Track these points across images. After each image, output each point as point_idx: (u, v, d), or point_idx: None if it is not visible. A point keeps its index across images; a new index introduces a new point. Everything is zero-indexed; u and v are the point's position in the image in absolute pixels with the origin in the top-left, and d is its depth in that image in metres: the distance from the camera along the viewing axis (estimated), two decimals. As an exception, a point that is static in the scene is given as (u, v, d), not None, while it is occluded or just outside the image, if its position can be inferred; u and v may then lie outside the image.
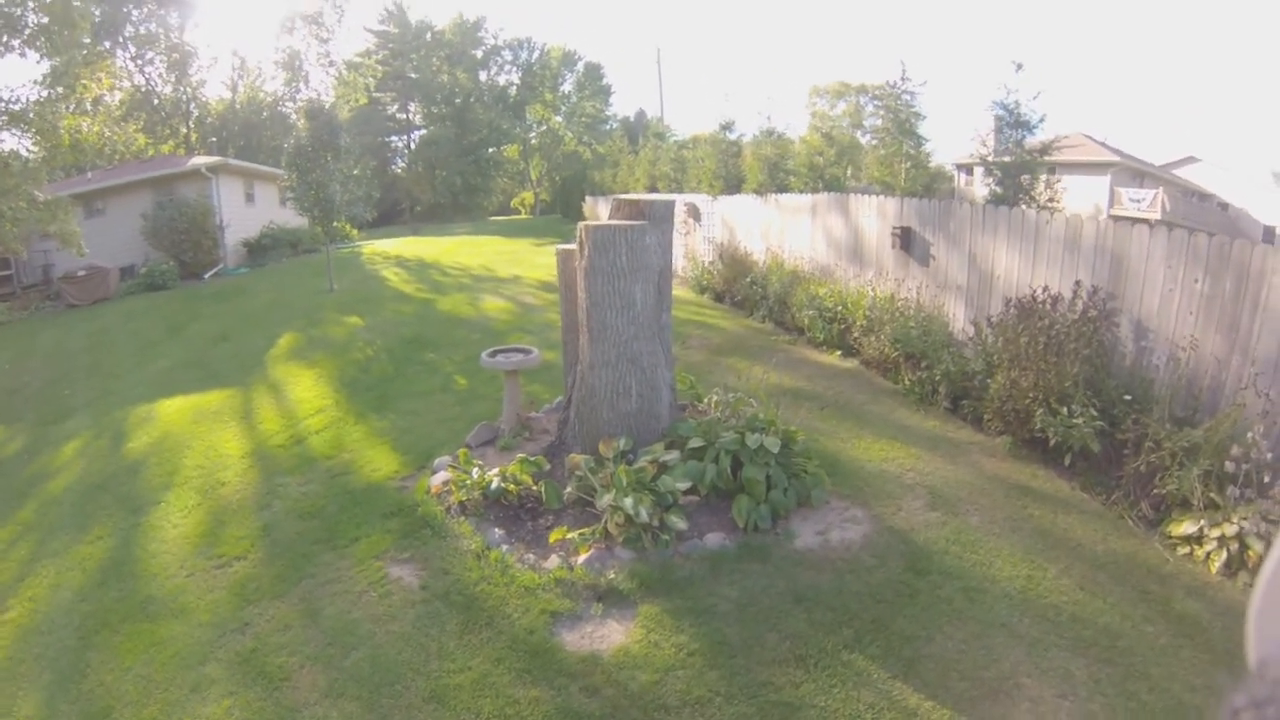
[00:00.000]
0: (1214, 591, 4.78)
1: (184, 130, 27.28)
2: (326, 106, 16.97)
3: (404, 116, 38.45)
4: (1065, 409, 6.07)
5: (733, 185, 15.91)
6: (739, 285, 13.48)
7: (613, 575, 4.79)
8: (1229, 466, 4.98)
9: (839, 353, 10.31)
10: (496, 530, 5.39)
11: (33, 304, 17.72)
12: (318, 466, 7.92)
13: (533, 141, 43.38)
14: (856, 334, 9.82)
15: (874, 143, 15.75)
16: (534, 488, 5.74)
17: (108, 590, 5.99)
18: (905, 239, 9.56)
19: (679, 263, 16.97)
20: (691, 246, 16.71)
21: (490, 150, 40.89)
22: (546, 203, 44.75)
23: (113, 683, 4.86)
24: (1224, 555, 4.89)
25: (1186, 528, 5.16)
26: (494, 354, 7.27)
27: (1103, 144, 37.84)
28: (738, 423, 5.80)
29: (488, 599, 4.83)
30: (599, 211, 26.16)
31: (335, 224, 16.33)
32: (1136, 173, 37.37)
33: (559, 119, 44.11)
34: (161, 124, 23.37)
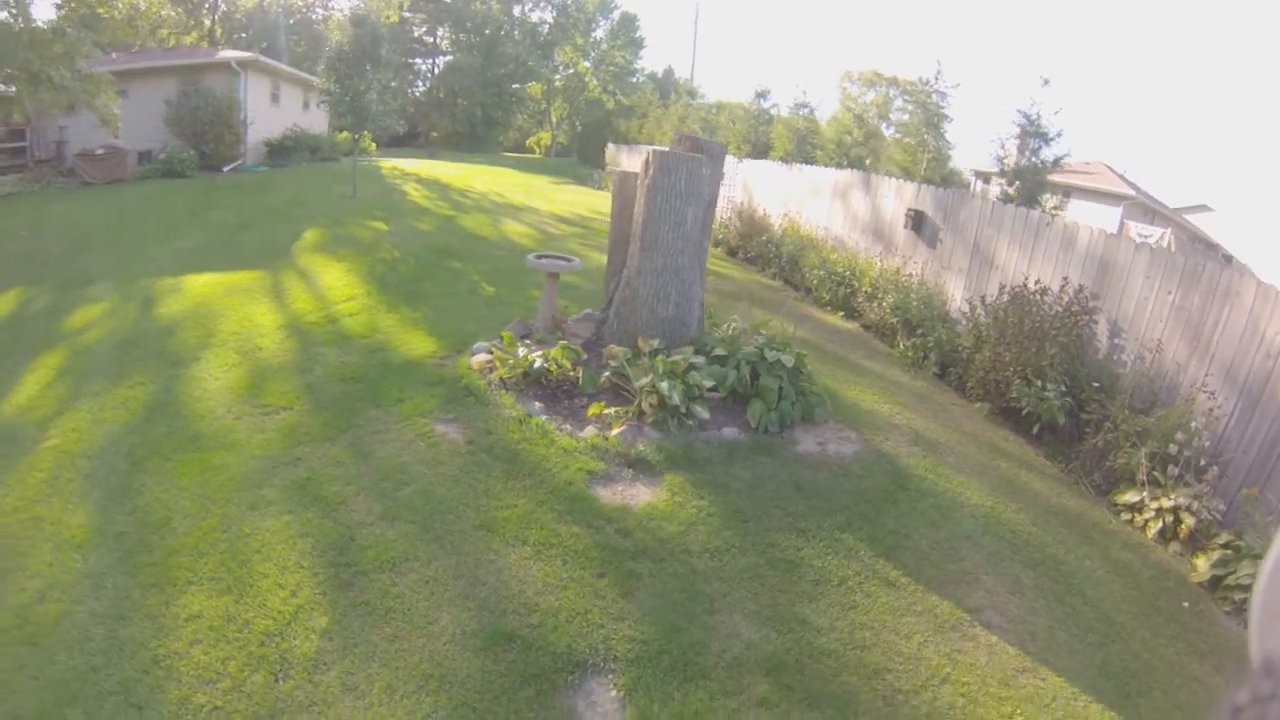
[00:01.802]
0: (1147, 551, 5.63)
1: (208, 23, 26.69)
2: (371, 16, 16.58)
3: (431, 40, 37.74)
4: (1040, 384, 6.92)
5: (759, 151, 16.58)
6: (754, 243, 14.09)
7: (642, 448, 5.32)
8: (1172, 449, 5.85)
9: (841, 314, 11.15)
10: (536, 403, 5.88)
11: (45, 178, 17.45)
12: (354, 343, 8.00)
13: (557, 83, 42.74)
14: (860, 299, 10.61)
15: (898, 135, 16.26)
16: (571, 372, 6.25)
17: (154, 426, 6.07)
18: (917, 221, 10.32)
19: None
20: None
21: (515, 86, 40.26)
22: (563, 145, 44.35)
23: (168, 499, 4.98)
24: (1160, 524, 5.73)
25: (1130, 497, 6.03)
26: (539, 257, 7.61)
27: (1121, 176, 37.77)
28: (758, 340, 6.50)
29: (529, 456, 5.27)
30: (621, 159, 26.20)
31: (366, 133, 16.11)
32: (1149, 210, 37.41)
33: (587, 64, 43.44)
34: (188, 14, 22.84)
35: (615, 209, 6.92)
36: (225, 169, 19.25)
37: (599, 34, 44.15)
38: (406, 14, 36.29)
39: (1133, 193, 37.36)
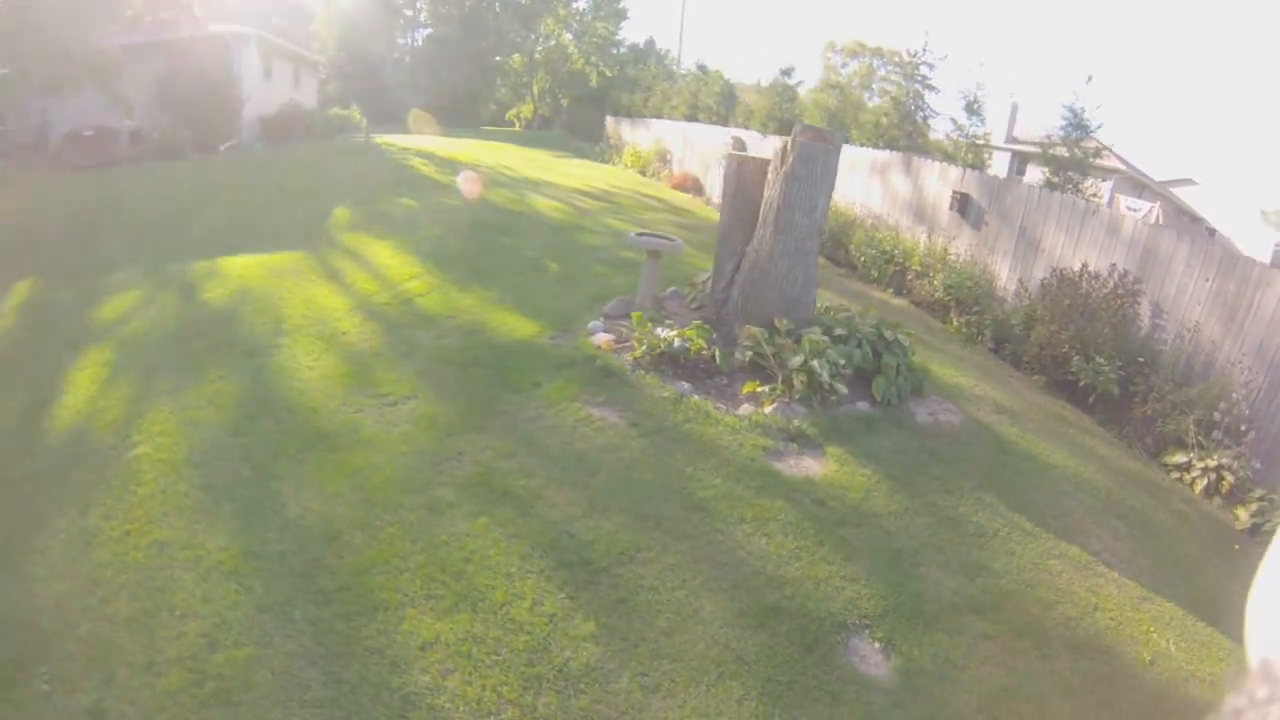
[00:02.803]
0: (1197, 505, 6.41)
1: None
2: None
3: (410, 13, 36.28)
4: (1097, 359, 7.57)
5: (785, 128, 16.11)
6: None
7: (797, 423, 5.49)
8: (1216, 416, 6.66)
9: (890, 290, 11.20)
10: (683, 383, 5.91)
11: (30, 163, 16.17)
12: (441, 324, 7.29)
13: (537, 55, 41.52)
14: (910, 277, 10.93)
15: (881, 105, 16.11)
16: (705, 351, 6.26)
17: (261, 424, 5.29)
18: (963, 203, 10.63)
19: (717, 191, 17.11)
20: None
21: (497, 58, 38.97)
22: (545, 118, 43.28)
23: (321, 508, 4.26)
24: (1205, 481, 6.58)
25: (1179, 458, 6.86)
26: (641, 235, 7.75)
27: (1110, 150, 37.77)
28: (870, 320, 6.93)
29: (700, 436, 5.25)
30: (621, 132, 25.42)
31: (355, 107, 15.16)
32: (1137, 184, 37.68)
33: (569, 36, 42.25)
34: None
35: (730, 191, 6.93)
36: (222, 148, 18.10)
37: (581, 4, 42.92)
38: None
39: (1122, 167, 37.44)
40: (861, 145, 14.79)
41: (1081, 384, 7.64)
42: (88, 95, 16.20)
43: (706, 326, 6.44)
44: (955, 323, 9.63)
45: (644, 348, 6.13)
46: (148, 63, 17.32)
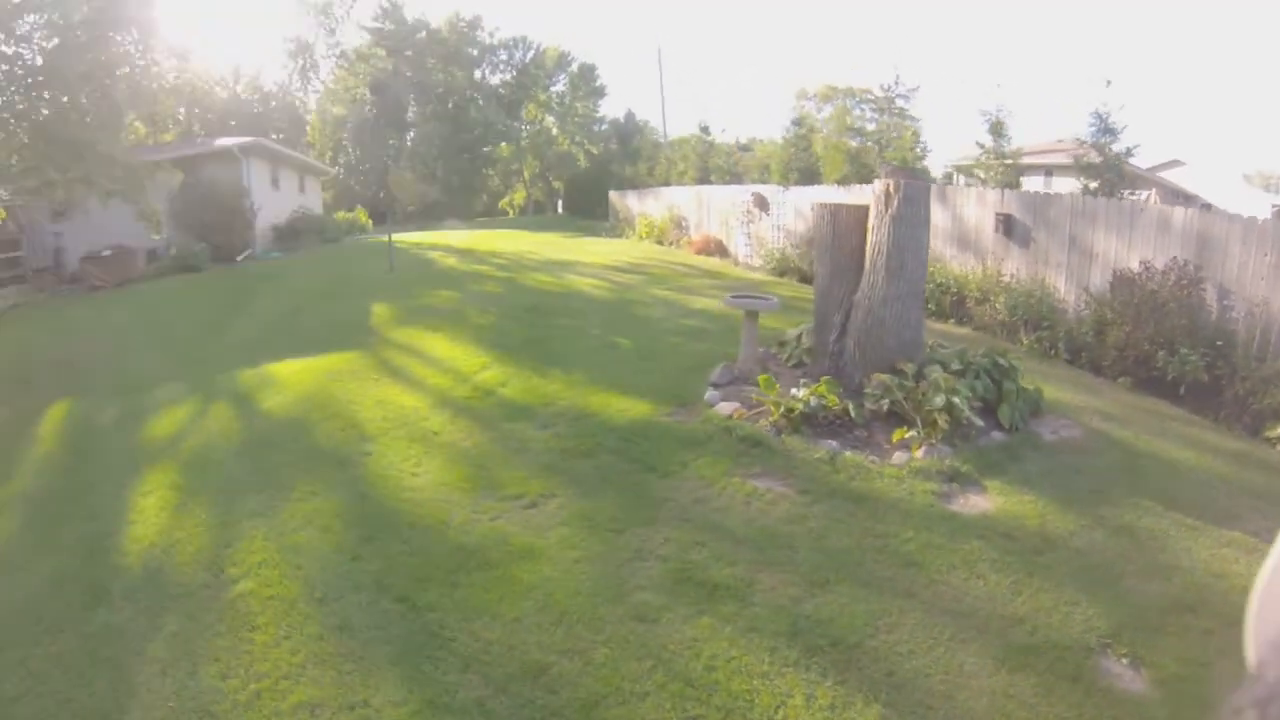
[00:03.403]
0: None
1: (185, 118, 25.23)
2: (392, 81, 15.55)
3: (397, 114, 36.80)
4: (1182, 351, 7.54)
5: (806, 178, 16.07)
6: None
7: (949, 463, 5.36)
8: None
9: (951, 320, 10.96)
10: (829, 441, 5.73)
11: (48, 286, 15.67)
12: (539, 413, 6.65)
13: (523, 142, 42.08)
14: (970, 304, 10.83)
15: (867, 143, 16.27)
16: (838, 406, 6.09)
17: (384, 545, 4.56)
18: (1008, 224, 10.59)
19: (744, 251, 17.21)
20: (758, 234, 16.68)
21: (486, 149, 39.41)
22: (539, 202, 43.60)
23: (506, 639, 3.59)
24: None
25: None
26: (736, 297, 7.64)
27: (1094, 146, 38.20)
28: (978, 352, 6.86)
29: (870, 492, 5.06)
30: (629, 205, 25.27)
31: (359, 208, 14.86)
32: (1128, 176, 37.96)
33: (551, 119, 42.95)
34: (163, 114, 21.32)
35: (828, 241, 6.81)
36: (239, 259, 17.67)
37: (559, 88, 43.77)
38: (370, 96, 35.13)
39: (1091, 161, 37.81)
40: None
41: (1170, 378, 7.62)
42: (102, 215, 15.88)
43: (833, 381, 6.22)
44: (1025, 341, 9.51)
45: (780, 411, 5.89)
46: (160, 179, 17.05)
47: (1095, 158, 10.88)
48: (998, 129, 12.68)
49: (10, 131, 11.32)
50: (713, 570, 4.14)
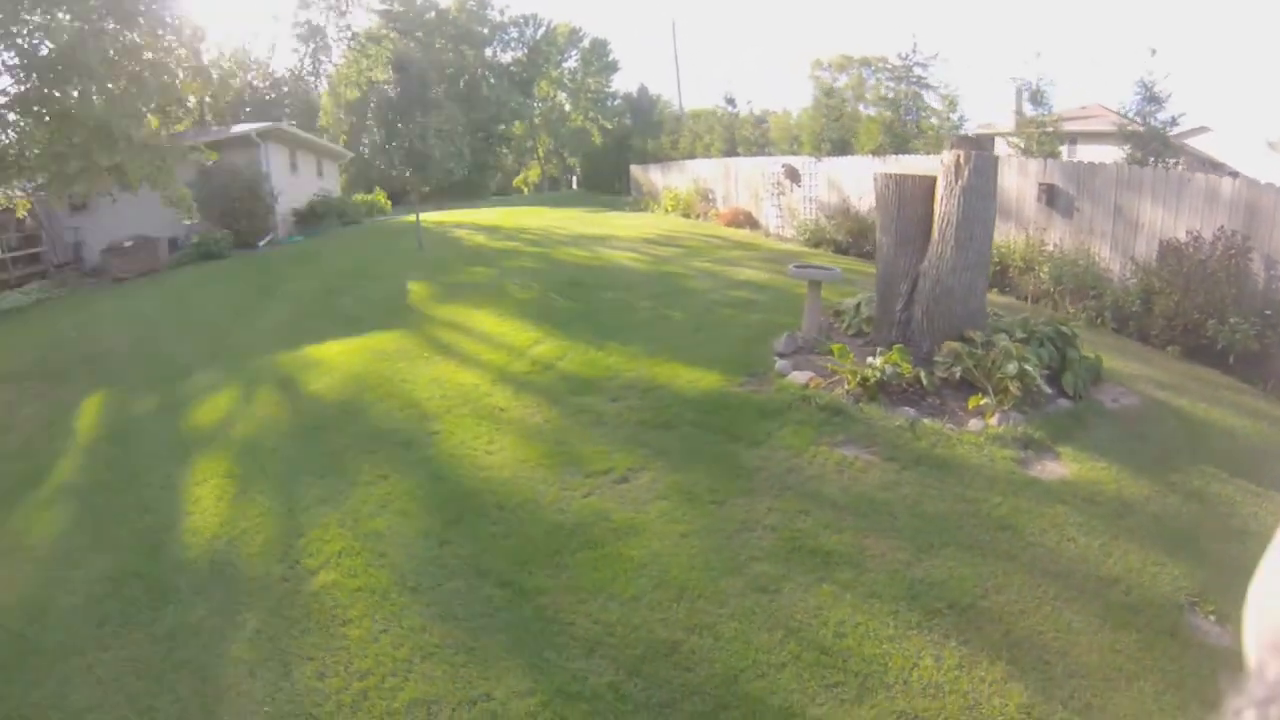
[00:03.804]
0: None
1: (198, 108, 24.79)
2: (416, 59, 15.06)
3: (422, 92, 36.27)
4: (1233, 320, 7.54)
5: (839, 149, 15.76)
6: (871, 239, 13.15)
7: (1022, 430, 5.35)
8: None
9: (994, 290, 10.68)
10: (906, 409, 5.69)
11: (69, 281, 15.37)
12: (606, 386, 6.32)
13: (536, 120, 41.53)
14: (1012, 274, 10.74)
15: (885, 113, 15.90)
16: (908, 374, 6.06)
17: (473, 527, 4.21)
18: (1050, 194, 10.50)
19: (774, 223, 16.94)
20: (789, 205, 16.44)
21: (500, 127, 38.90)
22: (554, 179, 43.18)
23: (627, 618, 3.38)
24: None
25: None
26: (800, 267, 7.61)
27: (1120, 114, 37.37)
28: (1040, 320, 6.90)
29: (953, 459, 5.02)
30: (652, 178, 24.75)
31: (379, 190, 14.44)
32: (1126, 136, 37.09)
33: (564, 95, 42.31)
34: (176, 104, 20.83)
35: (894, 211, 6.77)
36: (261, 244, 17.29)
37: (571, 64, 43.12)
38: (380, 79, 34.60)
39: (1141, 129, 36.97)
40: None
41: (1219, 346, 7.66)
42: (121, 206, 15.57)
43: (905, 349, 6.19)
44: (1071, 309, 9.42)
45: (857, 379, 5.85)
46: (177, 169, 16.67)
47: (1138, 126, 10.82)
48: (1038, 97, 12.35)
49: (36, 117, 10.89)
50: (822, 538, 4.08)
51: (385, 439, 5.65)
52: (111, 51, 11.03)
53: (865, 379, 5.81)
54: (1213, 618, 3.59)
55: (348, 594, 3.75)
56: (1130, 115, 10.99)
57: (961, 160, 6.20)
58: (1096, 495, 4.64)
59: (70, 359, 10.17)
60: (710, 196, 20.33)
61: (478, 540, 4.02)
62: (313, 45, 29.42)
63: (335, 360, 7.99)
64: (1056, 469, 5.01)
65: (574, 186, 42.88)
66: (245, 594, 3.90)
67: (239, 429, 6.57)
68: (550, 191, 39.95)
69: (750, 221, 18.15)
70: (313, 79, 31.24)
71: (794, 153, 17.99)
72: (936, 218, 6.40)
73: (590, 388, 6.32)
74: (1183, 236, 8.35)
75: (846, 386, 5.84)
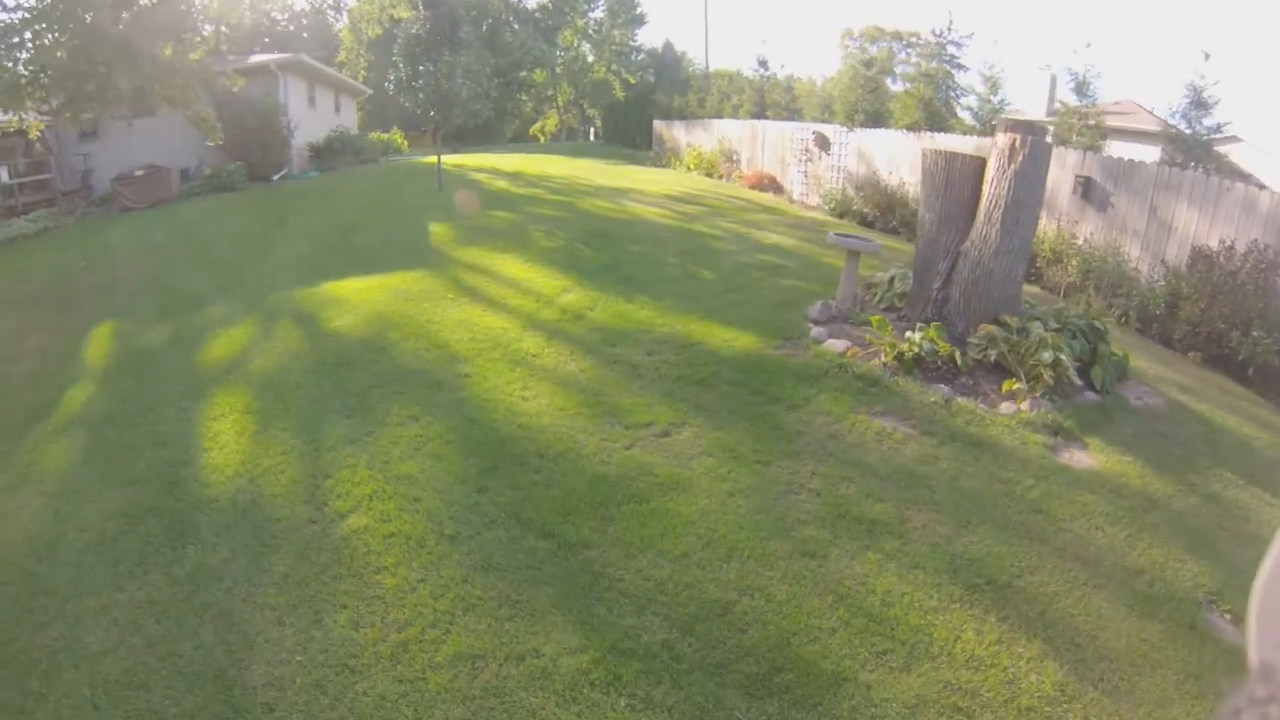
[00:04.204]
0: None
1: (213, 38, 24.08)
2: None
3: (451, 31, 35.35)
4: (1256, 334, 7.59)
5: (873, 120, 15.44)
6: (899, 213, 13.36)
7: (1052, 417, 5.34)
8: None
9: None
10: (941, 385, 5.70)
11: (78, 209, 14.98)
12: (640, 338, 6.13)
13: (558, 69, 40.68)
14: (1040, 263, 10.54)
15: (908, 88, 15.50)
16: (945, 351, 6.07)
17: (512, 475, 3.99)
18: (1086, 187, 10.39)
19: (799, 189, 16.68)
20: (815, 173, 16.19)
21: (522, 74, 38.04)
22: (573, 129, 42.53)
23: (677, 576, 3.31)
24: None
25: None
26: (840, 236, 7.51)
27: (1151, 113, 36.54)
28: (1076, 311, 6.92)
29: (986, 439, 5.01)
30: (676, 135, 24.18)
31: (396, 129, 13.99)
32: (1172, 139, 36.38)
33: (587, 46, 41.38)
34: (190, 30, 20.20)
35: (941, 188, 6.73)
36: (275, 178, 16.86)
37: (598, 14, 42.09)
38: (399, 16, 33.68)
39: (1172, 129, 36.25)
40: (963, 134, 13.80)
41: (1240, 358, 7.72)
42: (132, 135, 15.17)
43: (942, 327, 6.21)
44: (1096, 305, 9.24)
45: (893, 353, 5.86)
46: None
47: (1183, 129, 10.83)
48: (1083, 89, 12.10)
49: (58, 33, 10.44)
50: (865, 506, 4.06)
51: (413, 379, 5.40)
52: None
53: (902, 353, 5.83)
54: (1228, 616, 3.66)
55: (381, 540, 3.52)
56: (1174, 118, 10.99)
57: (1017, 144, 6.15)
58: (1122, 488, 4.69)
59: (79, 288, 9.92)
60: (734, 158, 19.95)
61: (517, 489, 3.79)
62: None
63: (356, 298, 7.71)
64: (1084, 458, 5.04)
65: (591, 138, 42.11)
66: (271, 536, 3.67)
67: (257, 364, 6.32)
68: (568, 141, 39.29)
69: (774, 186, 17.82)
70: (333, 13, 30.46)
71: (825, 120, 17.55)
72: (984, 199, 6.33)
73: (623, 339, 6.06)
74: (1215, 244, 8.34)
75: (883, 358, 5.85)
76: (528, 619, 2.92)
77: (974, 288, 6.43)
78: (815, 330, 6.46)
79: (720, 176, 19.83)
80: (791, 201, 16.55)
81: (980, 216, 6.37)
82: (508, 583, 3.12)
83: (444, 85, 13.76)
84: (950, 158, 6.67)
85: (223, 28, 24.82)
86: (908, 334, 6.04)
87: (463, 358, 5.69)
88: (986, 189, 6.34)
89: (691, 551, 3.46)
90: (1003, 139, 6.27)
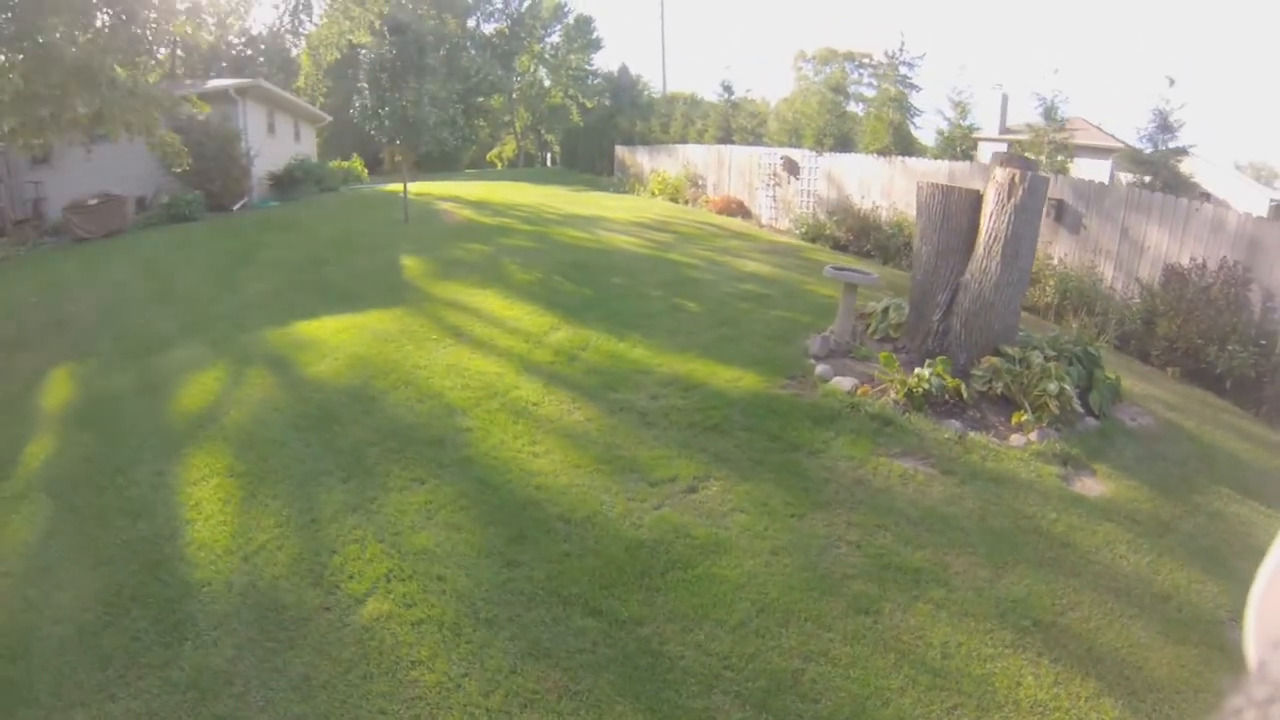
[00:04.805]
0: None
1: (169, 63, 23.30)
2: (412, 22, 14.31)
3: (418, 57, 34.93)
4: (1231, 348, 7.82)
5: (842, 144, 15.56)
6: (874, 237, 13.51)
7: (1059, 447, 5.42)
8: None
9: None
10: (951, 421, 5.73)
11: (29, 239, 14.26)
12: (639, 381, 6.04)
13: (514, 94, 40.55)
14: None
15: (870, 109, 15.90)
16: (952, 386, 6.11)
17: (540, 545, 3.78)
18: (1059, 209, 10.68)
19: (767, 214, 16.70)
20: (784, 197, 16.27)
21: (479, 99, 37.78)
22: (530, 155, 42.37)
23: (735, 649, 3.16)
24: None
25: None
26: (838, 269, 7.49)
27: (1098, 128, 37.75)
28: (1068, 338, 7.06)
29: (1003, 474, 5.04)
30: (640, 160, 24.09)
31: (356, 157, 13.72)
32: (1135, 160, 37.64)
33: (544, 71, 41.35)
34: (145, 54, 19.47)
35: (938, 221, 6.82)
36: (235, 207, 16.30)
37: (554, 39, 42.13)
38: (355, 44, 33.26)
39: (1119, 145, 37.29)
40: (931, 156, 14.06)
41: (1217, 371, 7.96)
42: (86, 162, 14.58)
43: (948, 360, 6.30)
44: (1074, 325, 9.42)
45: (904, 390, 5.89)
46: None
47: (1148, 151, 11.33)
48: (1051, 113, 12.29)
49: (7, 58, 9.90)
50: (906, 555, 4.03)
51: (411, 435, 5.11)
52: None
53: (912, 390, 5.85)
54: (1235, 632, 3.63)
55: (409, 628, 3.23)
56: (1142, 140, 11.47)
57: (1016, 179, 6.26)
58: (1135, 513, 4.76)
59: (31, 326, 9.36)
60: (700, 183, 19.98)
61: (550, 560, 3.54)
62: (293, 2, 27.96)
63: (333, 340, 7.38)
64: (1095, 486, 5.11)
65: (549, 164, 41.93)
66: (279, 627, 3.34)
67: (234, 416, 5.94)
68: (525, 167, 39.04)
69: (742, 211, 17.88)
70: (291, 38, 29.79)
71: (792, 144, 17.70)
72: (983, 232, 6.41)
73: (623, 383, 5.86)
74: (1186, 262, 8.67)
75: (894, 396, 5.87)
76: (593, 710, 2.69)
77: (975, 319, 6.50)
78: (820, 368, 6.43)
79: (686, 202, 19.82)
80: (760, 226, 16.62)
81: (980, 249, 6.44)
82: (562, 670, 2.87)
83: (410, 113, 13.48)
84: (947, 191, 6.75)
85: (178, 51, 24.16)
86: (916, 370, 6.05)
87: (460, 409, 5.42)
88: (985, 222, 6.42)
89: (748, 619, 3.34)
90: (1001, 174, 6.34)
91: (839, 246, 13.97)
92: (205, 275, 10.89)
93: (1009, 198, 6.29)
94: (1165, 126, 11.08)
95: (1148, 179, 11.40)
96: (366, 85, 13.62)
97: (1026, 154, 14.10)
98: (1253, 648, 0.57)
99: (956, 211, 6.65)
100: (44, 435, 6.14)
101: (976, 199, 6.52)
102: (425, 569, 3.59)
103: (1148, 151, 11.38)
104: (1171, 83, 11.50)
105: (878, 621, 3.46)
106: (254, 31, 29.12)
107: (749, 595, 3.51)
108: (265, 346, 7.52)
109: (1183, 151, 11.37)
